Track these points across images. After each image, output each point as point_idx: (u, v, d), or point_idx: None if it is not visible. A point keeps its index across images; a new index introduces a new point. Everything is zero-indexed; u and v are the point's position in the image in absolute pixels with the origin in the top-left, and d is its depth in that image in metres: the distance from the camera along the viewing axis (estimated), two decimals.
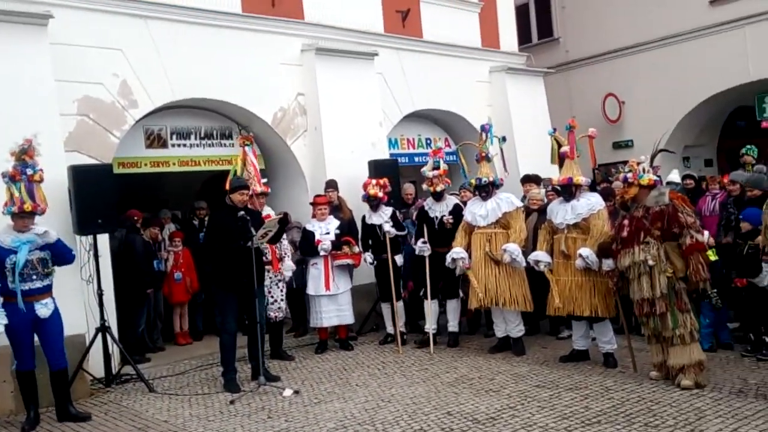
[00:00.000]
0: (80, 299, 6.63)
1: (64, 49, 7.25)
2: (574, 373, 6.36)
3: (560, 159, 6.90)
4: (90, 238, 6.90)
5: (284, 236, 7.71)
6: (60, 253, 5.88)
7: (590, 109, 13.92)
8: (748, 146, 9.15)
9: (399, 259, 8.05)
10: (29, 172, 5.74)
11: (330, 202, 8.28)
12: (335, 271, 7.89)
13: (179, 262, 8.87)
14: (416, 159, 11.07)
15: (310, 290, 7.95)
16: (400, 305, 8.09)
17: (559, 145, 6.89)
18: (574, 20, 14.82)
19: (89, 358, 6.73)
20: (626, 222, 5.98)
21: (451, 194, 8.65)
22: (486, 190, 7.33)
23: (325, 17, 9.76)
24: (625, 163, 6.44)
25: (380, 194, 8.05)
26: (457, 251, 7.28)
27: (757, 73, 12.07)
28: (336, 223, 8.03)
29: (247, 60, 8.90)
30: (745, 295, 6.62)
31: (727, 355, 6.66)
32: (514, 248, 6.95)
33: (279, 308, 7.62)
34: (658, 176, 6.26)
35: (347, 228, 8.13)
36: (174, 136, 8.73)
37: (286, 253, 7.71)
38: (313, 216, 8.12)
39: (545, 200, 7.90)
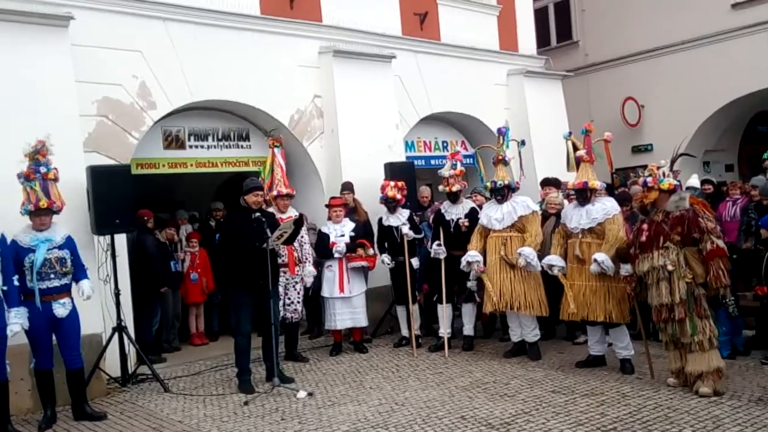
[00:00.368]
0: (97, 299, 6.66)
1: (84, 50, 7.33)
2: (590, 379, 6.30)
3: (576, 163, 6.84)
4: (107, 238, 6.95)
5: (305, 239, 7.72)
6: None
7: (609, 113, 13.82)
8: None
9: (415, 261, 8.03)
10: (43, 170, 5.80)
11: (345, 204, 8.28)
12: (350, 274, 7.89)
13: (195, 263, 8.93)
14: (432, 162, 11.06)
15: (325, 292, 7.95)
16: (415, 308, 8.06)
17: (575, 149, 6.84)
18: (593, 23, 14.73)
19: (106, 358, 6.79)
20: (645, 227, 5.90)
21: (466, 197, 8.64)
22: (502, 193, 7.29)
23: (343, 19, 9.79)
24: (644, 167, 6.39)
25: (398, 196, 8.04)
26: (472, 254, 7.24)
27: None
28: (351, 225, 8.03)
29: (265, 62, 8.94)
30: (766, 303, 6.52)
31: (747, 362, 6.56)
32: (529, 252, 6.91)
33: (295, 310, 7.62)
34: (678, 181, 6.19)
35: (362, 230, 8.13)
36: (192, 138, 8.78)
37: (307, 258, 7.71)
38: (329, 218, 8.12)
39: (564, 204, 7.85)
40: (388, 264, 8.03)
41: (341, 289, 7.83)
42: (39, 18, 6.90)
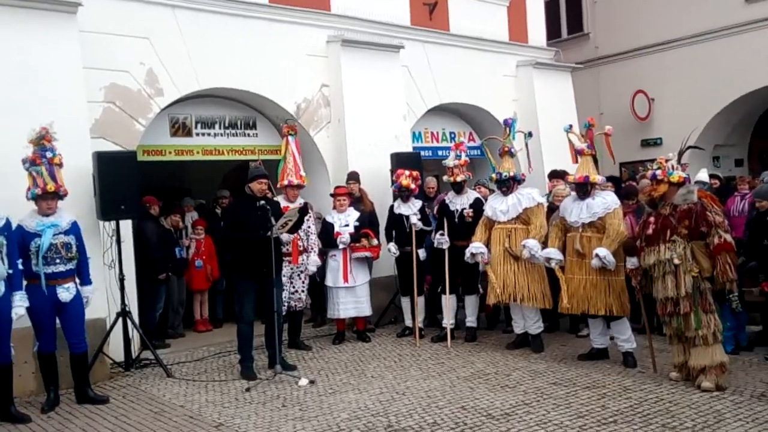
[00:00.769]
0: (102, 284, 6.71)
1: (92, 37, 7.33)
2: (592, 372, 6.29)
3: (577, 156, 6.84)
4: (113, 223, 6.98)
5: (312, 229, 7.72)
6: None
7: (619, 106, 13.75)
8: None
9: (422, 253, 8.02)
10: (49, 155, 5.83)
11: (350, 194, 8.27)
12: (353, 264, 7.89)
13: (201, 250, 8.96)
14: (439, 153, 11.02)
15: (329, 282, 7.97)
16: (421, 299, 8.06)
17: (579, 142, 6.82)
18: (604, 15, 14.62)
19: (109, 342, 6.83)
20: (652, 219, 5.87)
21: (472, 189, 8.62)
22: (507, 185, 7.27)
23: (352, 9, 9.74)
24: (653, 161, 6.34)
25: (412, 186, 8.02)
26: (476, 246, 7.23)
27: None
28: (356, 215, 8.03)
29: (273, 50, 8.92)
30: None
31: (750, 357, 6.53)
32: (533, 244, 6.88)
33: (300, 299, 7.64)
34: (687, 174, 6.14)
35: (367, 220, 8.12)
36: (198, 125, 8.79)
37: (312, 248, 7.71)
38: (334, 207, 8.12)
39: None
40: (394, 253, 8.02)
41: (345, 279, 7.84)
42: (47, 4, 6.89)
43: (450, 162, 7.77)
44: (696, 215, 5.61)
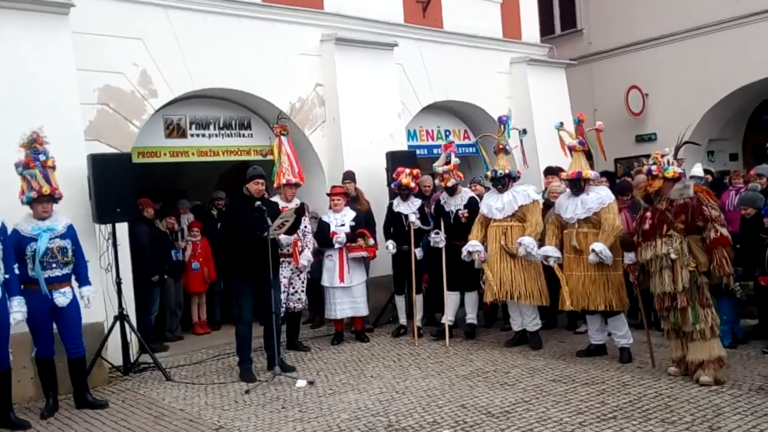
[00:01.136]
0: (99, 287, 6.68)
1: (84, 38, 7.31)
2: (590, 368, 6.30)
3: (569, 153, 6.85)
4: (109, 226, 6.96)
5: (308, 228, 7.70)
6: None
7: (613, 102, 13.76)
8: None
9: (419, 252, 8.01)
10: (42, 158, 5.79)
11: (346, 194, 8.25)
12: (350, 264, 7.88)
13: (197, 252, 8.92)
14: (435, 151, 10.99)
15: (325, 282, 7.95)
16: (419, 298, 8.05)
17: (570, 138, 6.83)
18: (597, 11, 14.62)
19: (107, 346, 6.80)
20: (649, 215, 5.88)
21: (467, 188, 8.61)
22: (502, 182, 7.27)
23: (345, 7, 9.73)
24: (647, 156, 6.35)
25: (412, 184, 8.01)
26: (473, 244, 7.23)
27: None
28: (352, 214, 8.01)
29: (266, 50, 8.90)
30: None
31: (748, 351, 6.55)
32: (529, 242, 6.89)
33: (299, 299, 7.63)
34: (683, 169, 6.15)
35: (363, 220, 8.11)
36: (193, 126, 8.76)
37: (307, 246, 7.70)
38: (330, 207, 8.11)
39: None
40: (392, 251, 8.01)
41: (341, 279, 7.83)
42: (39, 5, 6.87)
43: (439, 168, 7.76)
44: (692, 210, 5.62)
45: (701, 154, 12.41)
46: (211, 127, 8.93)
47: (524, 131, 8.00)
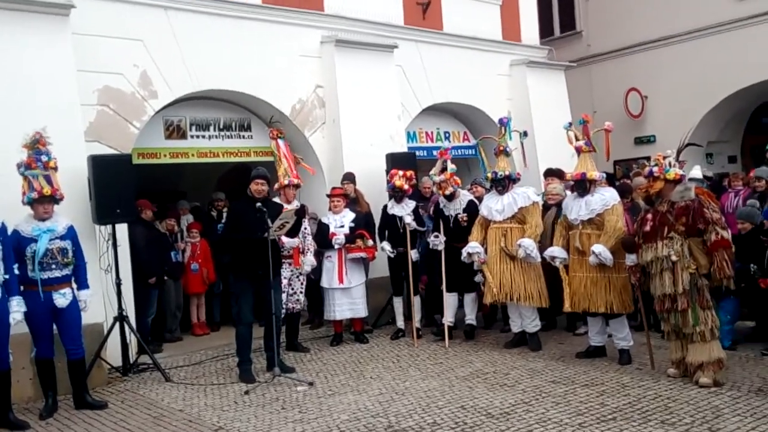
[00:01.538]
0: (99, 288, 6.68)
1: (85, 39, 7.31)
2: (590, 369, 6.31)
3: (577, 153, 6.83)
4: (109, 227, 6.96)
5: (308, 230, 7.71)
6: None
7: (612, 104, 13.78)
8: None
9: (414, 254, 8.02)
10: (44, 159, 5.79)
11: (346, 195, 8.26)
12: (349, 265, 7.88)
13: (196, 254, 8.92)
14: (434, 153, 10.93)
15: (324, 283, 7.95)
16: (417, 300, 8.06)
17: (576, 139, 6.81)
18: (597, 14, 14.65)
19: (107, 347, 6.80)
20: (650, 216, 5.89)
21: (468, 190, 8.61)
22: (502, 184, 7.28)
23: (345, 9, 9.74)
24: (647, 158, 6.35)
25: (406, 186, 8.01)
26: (472, 246, 7.23)
27: None
28: (351, 216, 8.01)
29: (267, 51, 8.91)
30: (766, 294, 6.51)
31: (747, 353, 6.55)
32: (528, 243, 6.90)
33: (297, 300, 7.63)
34: (684, 172, 6.16)
35: (363, 221, 8.11)
36: (193, 128, 8.76)
37: (309, 249, 7.70)
38: (329, 208, 8.11)
39: (563, 195, 7.82)
40: (389, 252, 8.01)
41: (340, 280, 7.83)
42: (40, 6, 6.87)
43: (436, 177, 7.77)
44: (693, 212, 5.63)
45: (700, 156, 12.43)
46: (211, 128, 8.94)
47: (525, 133, 8.01)
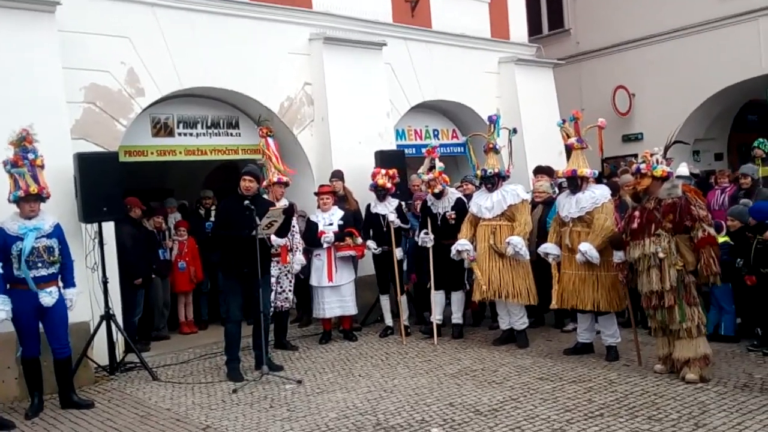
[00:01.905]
0: (85, 287, 6.64)
1: (71, 36, 7.26)
2: (578, 366, 6.33)
3: (567, 150, 6.84)
4: (95, 225, 6.91)
5: (296, 229, 7.69)
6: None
7: (600, 102, 13.84)
8: (760, 140, 9.08)
9: (399, 252, 8.01)
10: (31, 156, 5.75)
11: (334, 192, 8.25)
12: (338, 263, 7.87)
13: (184, 252, 8.88)
14: (423, 150, 10.99)
15: (313, 281, 7.94)
16: (403, 299, 8.06)
17: (569, 137, 6.83)
18: (585, 12, 14.72)
19: (93, 346, 6.75)
20: (637, 214, 5.92)
21: (457, 187, 8.63)
22: (492, 181, 7.28)
23: (334, 6, 9.72)
24: (634, 156, 6.38)
25: (388, 185, 8.02)
26: (462, 243, 7.24)
27: None
28: (340, 213, 8.00)
29: (255, 49, 8.88)
30: (753, 290, 6.55)
31: (733, 349, 6.60)
32: (517, 241, 6.91)
33: (286, 298, 7.61)
34: (671, 169, 6.19)
35: (351, 219, 8.10)
36: (180, 125, 8.73)
37: (297, 247, 7.69)
38: (318, 206, 8.10)
39: (555, 192, 7.86)
40: (375, 250, 8.00)
41: (330, 278, 7.82)
42: (25, 3, 6.82)
43: (424, 177, 7.77)
44: (680, 209, 5.66)
45: (687, 153, 12.51)
46: (199, 126, 8.90)
47: (514, 130, 8.02)
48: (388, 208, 7.98)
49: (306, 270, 8.07)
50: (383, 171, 8.09)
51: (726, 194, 8.72)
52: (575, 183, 6.63)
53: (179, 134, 8.71)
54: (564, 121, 7.11)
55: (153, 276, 8.30)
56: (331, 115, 9.34)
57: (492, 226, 7.19)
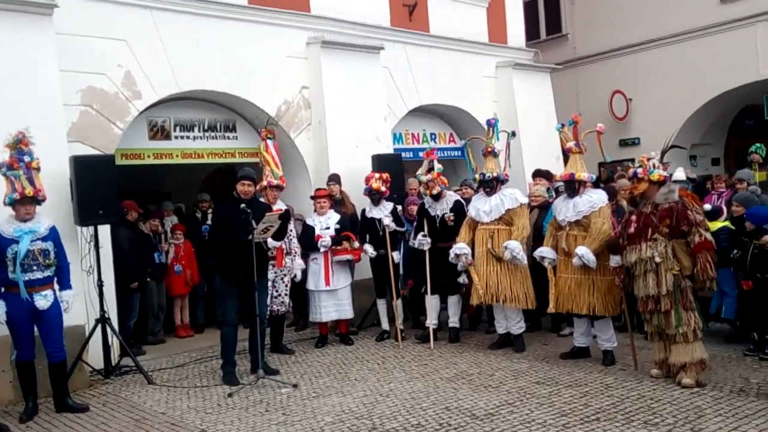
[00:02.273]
0: (80, 290, 6.61)
1: (68, 39, 7.23)
2: (574, 370, 6.32)
3: (565, 154, 6.85)
4: (91, 229, 6.89)
5: (293, 233, 7.68)
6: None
7: (597, 106, 13.86)
8: (757, 144, 9.09)
9: (396, 256, 8.01)
10: (27, 159, 5.73)
11: (331, 196, 8.24)
12: (335, 267, 7.85)
13: (180, 255, 8.86)
14: (420, 154, 10.95)
15: (310, 285, 7.92)
16: (399, 303, 8.04)
17: (567, 141, 6.84)
18: (582, 16, 14.75)
19: (89, 349, 6.72)
20: (634, 218, 5.92)
21: (456, 190, 8.63)
22: (490, 185, 7.28)
23: (332, 10, 9.72)
24: (631, 160, 6.39)
25: (383, 188, 8.02)
26: (460, 247, 7.23)
27: (766, 71, 11.99)
28: (336, 217, 7.99)
29: (252, 52, 8.86)
30: (749, 295, 6.55)
31: (729, 354, 6.60)
32: (515, 245, 6.90)
33: (282, 302, 7.59)
34: (668, 173, 6.20)
35: (348, 223, 8.09)
36: (177, 128, 8.70)
37: (296, 252, 7.67)
38: (315, 210, 8.09)
39: (552, 196, 7.85)
40: (372, 254, 7.99)
41: (327, 282, 7.80)
42: (22, 5, 6.79)
43: (423, 178, 7.77)
44: (677, 214, 5.67)
45: (684, 158, 12.52)
46: (196, 129, 8.88)
47: (513, 133, 8.02)
48: (383, 212, 7.98)
49: (302, 273, 8.05)
50: (377, 175, 8.10)
51: (722, 199, 8.72)
52: (573, 187, 6.63)
53: (176, 137, 8.68)
54: (563, 126, 7.11)
55: (148, 279, 8.26)
56: (329, 118, 9.33)
57: (490, 230, 7.18)
